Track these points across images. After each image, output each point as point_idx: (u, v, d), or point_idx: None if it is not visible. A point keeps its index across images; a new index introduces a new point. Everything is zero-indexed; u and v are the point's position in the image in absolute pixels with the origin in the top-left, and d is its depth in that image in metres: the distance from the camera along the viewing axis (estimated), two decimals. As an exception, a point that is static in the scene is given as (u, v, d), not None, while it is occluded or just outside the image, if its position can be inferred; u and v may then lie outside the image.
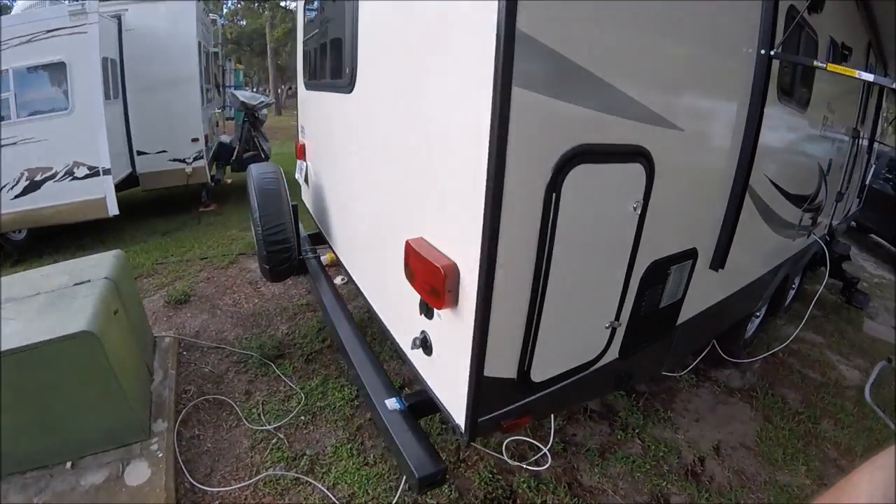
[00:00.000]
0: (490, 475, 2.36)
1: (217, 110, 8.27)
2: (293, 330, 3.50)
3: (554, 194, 1.24)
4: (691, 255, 1.98)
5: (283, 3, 27.45)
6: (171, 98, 6.07)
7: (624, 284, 1.66)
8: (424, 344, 1.55)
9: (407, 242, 1.48)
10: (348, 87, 2.15)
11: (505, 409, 1.48)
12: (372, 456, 2.44)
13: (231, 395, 2.81)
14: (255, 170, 2.94)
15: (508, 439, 2.55)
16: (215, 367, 3.05)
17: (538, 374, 1.50)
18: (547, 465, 2.43)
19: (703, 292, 2.22)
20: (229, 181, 7.93)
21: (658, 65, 1.43)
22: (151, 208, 6.86)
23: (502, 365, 1.38)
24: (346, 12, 2.19)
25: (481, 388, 1.35)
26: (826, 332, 4.54)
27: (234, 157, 7.35)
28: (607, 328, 1.70)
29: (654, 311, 1.89)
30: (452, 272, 1.30)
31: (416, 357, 1.68)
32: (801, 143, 2.88)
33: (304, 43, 3.35)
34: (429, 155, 1.45)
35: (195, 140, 6.30)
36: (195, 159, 6.35)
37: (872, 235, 8.39)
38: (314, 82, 3.12)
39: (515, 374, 1.44)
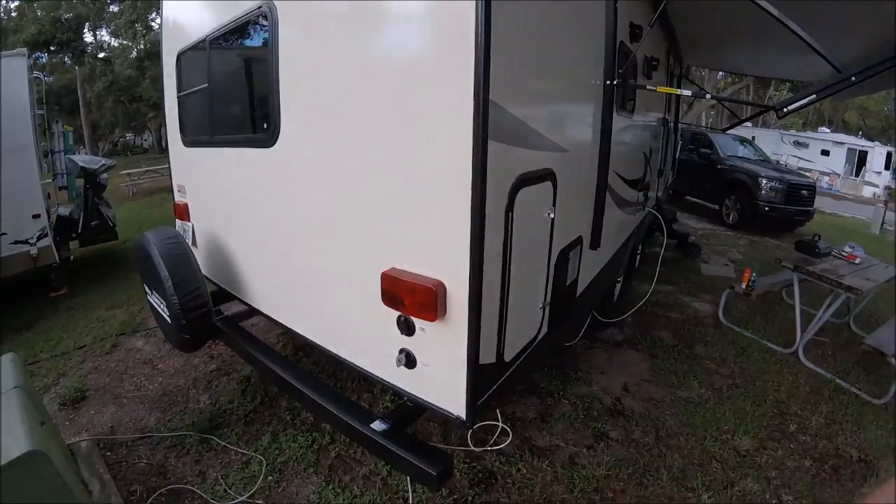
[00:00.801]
0: (466, 465, 2.67)
1: (49, 180, 7.22)
2: (216, 398, 3.37)
3: (510, 213, 1.64)
4: (579, 241, 2.51)
5: (101, 55, 24.97)
6: (6, 170, 5.17)
7: (547, 272, 2.11)
8: (408, 358, 1.79)
9: (384, 274, 1.72)
10: (269, 140, 2.26)
11: (490, 391, 1.81)
12: (356, 486, 2.56)
13: (184, 480, 2.65)
14: (152, 237, 2.80)
15: (469, 432, 2.86)
16: (151, 458, 2.83)
17: (508, 356, 1.86)
18: (507, 442, 2.80)
19: (588, 268, 2.80)
20: (71, 258, 7.02)
21: (555, 106, 1.92)
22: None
23: (486, 353, 1.70)
24: (260, 66, 2.32)
25: (477, 376, 1.65)
26: (674, 282, 5.73)
27: (79, 230, 6.48)
28: (541, 308, 2.12)
29: (564, 288, 2.36)
30: (441, 289, 1.59)
31: (394, 373, 1.90)
32: (632, 140, 3.72)
33: (181, 97, 3.27)
34: (405, 197, 1.70)
35: (37, 216, 5.45)
36: (39, 238, 5.48)
37: (687, 197, 10.52)
38: (202, 138, 3.08)
39: (495, 359, 1.78)
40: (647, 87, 2.55)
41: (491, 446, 2.81)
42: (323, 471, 2.67)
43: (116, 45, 28.50)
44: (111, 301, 5.34)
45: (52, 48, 23.91)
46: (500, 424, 2.93)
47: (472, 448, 2.79)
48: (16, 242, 5.35)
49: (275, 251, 2.54)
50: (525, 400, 3.25)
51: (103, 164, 6.96)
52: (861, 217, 14.69)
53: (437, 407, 1.80)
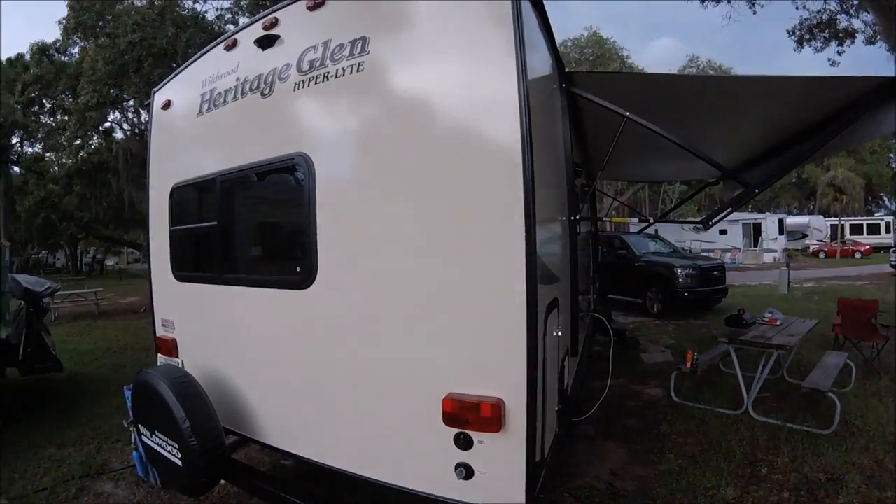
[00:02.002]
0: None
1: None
2: None
3: (544, 338, 2.02)
4: (567, 351, 2.96)
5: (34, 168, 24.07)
6: None
7: (557, 380, 2.45)
8: (467, 470, 2.00)
9: (448, 398, 1.98)
10: (304, 283, 2.46)
11: (538, 485, 2.04)
12: None
13: None
14: (160, 375, 2.75)
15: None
16: None
17: (545, 453, 2.15)
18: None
19: (571, 373, 3.22)
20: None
21: (553, 246, 2.47)
22: None
23: (537, 453, 1.97)
24: (290, 210, 2.60)
25: (532, 473, 1.91)
26: (623, 374, 6.34)
27: (20, 357, 5.91)
28: (556, 411, 2.44)
29: (563, 392, 2.71)
30: (503, 405, 1.88)
31: (449, 486, 2.07)
32: (580, 257, 4.33)
33: (176, 231, 3.33)
34: (461, 333, 2.02)
35: None
36: None
37: (610, 295, 11.59)
38: (205, 275, 3.14)
39: (538, 457, 2.03)
40: (604, 218, 3.27)
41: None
42: None
43: (49, 157, 27.51)
44: (60, 438, 4.89)
45: None
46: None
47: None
48: None
49: (304, 387, 2.60)
50: None
51: (48, 288, 6.58)
52: (768, 282, 16.51)
53: (496, 509, 2.00)
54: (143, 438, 2.98)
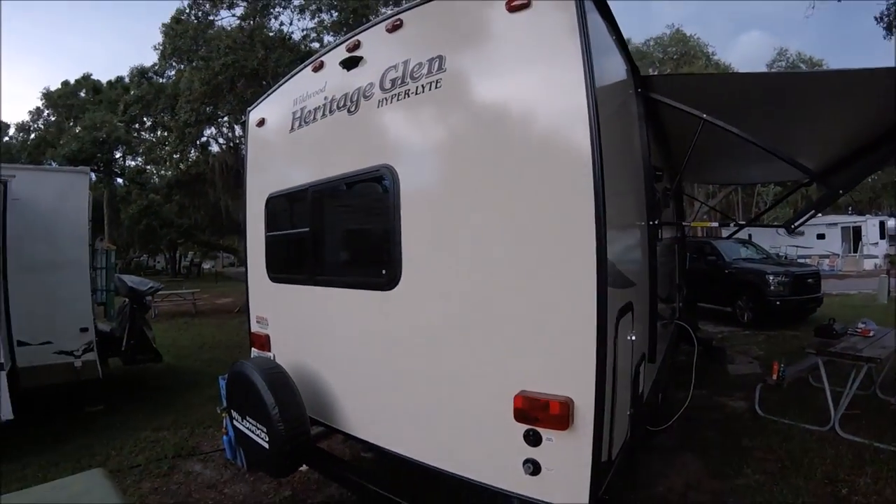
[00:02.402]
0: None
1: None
2: None
3: (616, 340, 2.09)
4: (643, 357, 2.97)
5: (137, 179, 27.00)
6: (57, 281, 5.39)
7: (630, 385, 2.47)
8: (535, 466, 2.09)
9: (519, 395, 2.09)
10: (388, 285, 2.65)
11: (604, 485, 2.10)
12: None
13: None
14: (254, 366, 3.05)
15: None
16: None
17: (613, 455, 2.21)
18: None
19: (648, 380, 3.21)
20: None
21: (628, 250, 2.57)
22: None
23: (603, 453, 2.03)
24: (376, 218, 2.80)
25: (597, 474, 1.97)
26: (707, 385, 6.12)
27: (123, 348, 6.65)
28: (628, 415, 2.45)
29: (637, 398, 2.74)
30: (572, 403, 1.97)
31: (518, 482, 2.16)
32: (662, 263, 4.27)
33: (271, 237, 3.64)
34: (534, 334, 2.12)
35: (84, 330, 5.58)
36: (85, 351, 5.56)
37: (700, 304, 11.14)
38: (297, 277, 3.40)
39: (605, 457, 2.09)
40: (684, 223, 3.22)
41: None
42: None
43: (150, 170, 30.23)
44: (156, 422, 5.39)
45: (93, 167, 25.24)
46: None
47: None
48: (60, 353, 5.42)
49: (385, 382, 2.79)
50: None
51: (151, 287, 7.31)
52: (867, 290, 15.15)
53: (560, 504, 2.07)
54: (235, 423, 3.29)
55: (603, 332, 1.89)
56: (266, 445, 2.88)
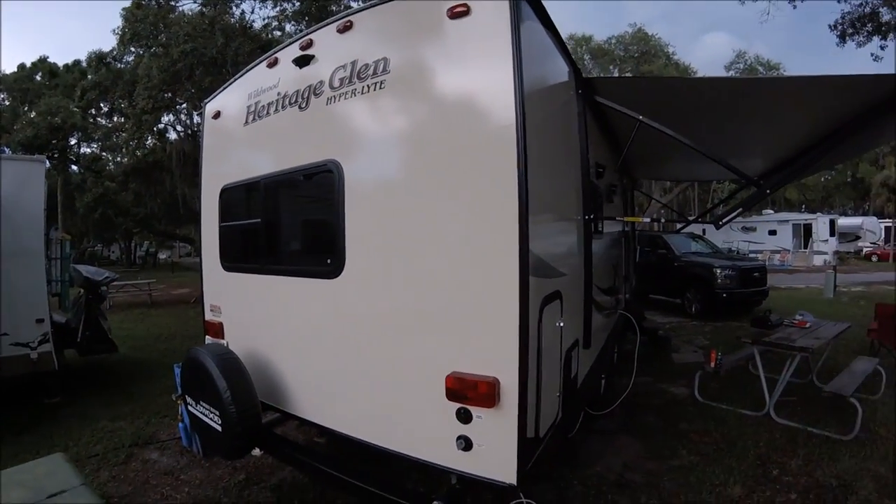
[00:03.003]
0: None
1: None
2: None
3: (540, 325, 2.29)
4: (577, 343, 3.16)
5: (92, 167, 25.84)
6: (12, 272, 5.23)
7: (560, 368, 2.69)
8: (466, 442, 2.26)
9: (450, 376, 2.26)
10: (333, 273, 2.79)
11: (531, 461, 2.31)
12: None
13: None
14: (207, 352, 3.14)
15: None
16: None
17: (541, 432, 2.40)
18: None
19: (583, 365, 3.42)
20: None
21: (557, 242, 2.77)
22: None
23: (529, 430, 2.22)
24: (323, 210, 2.93)
25: (523, 448, 2.15)
26: (651, 373, 6.46)
27: (79, 340, 6.54)
28: (557, 396, 2.65)
29: (569, 382, 2.93)
30: (498, 383, 2.15)
31: (450, 457, 2.34)
32: (603, 255, 4.53)
33: (225, 227, 3.73)
34: (463, 317, 2.29)
35: (40, 321, 5.48)
36: (41, 343, 5.46)
37: (650, 295, 11.56)
38: (249, 266, 3.51)
39: (534, 434, 2.29)
40: (617, 218, 3.43)
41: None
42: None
43: (106, 157, 29.22)
44: (114, 412, 5.40)
45: (48, 153, 24.35)
46: (527, 501, 3.28)
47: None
48: (16, 344, 5.33)
49: (331, 366, 2.94)
50: (541, 486, 3.63)
51: (106, 277, 7.19)
52: (815, 285, 15.97)
53: (491, 479, 2.25)
54: (189, 408, 3.38)
55: (525, 318, 2.07)
56: (219, 428, 2.98)
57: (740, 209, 3.21)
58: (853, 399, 4.55)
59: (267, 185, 3.31)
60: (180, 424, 4.46)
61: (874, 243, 31.48)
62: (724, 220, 3.22)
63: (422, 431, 2.49)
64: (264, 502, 3.58)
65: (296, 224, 3.42)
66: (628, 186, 7.01)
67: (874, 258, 29.60)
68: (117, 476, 4.03)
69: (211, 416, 3.05)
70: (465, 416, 2.23)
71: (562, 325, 2.63)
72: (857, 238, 32.42)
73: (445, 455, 2.35)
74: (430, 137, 2.43)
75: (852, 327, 6.41)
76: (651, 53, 29.79)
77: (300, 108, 3.02)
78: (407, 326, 2.52)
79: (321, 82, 2.88)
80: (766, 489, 3.69)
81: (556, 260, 2.68)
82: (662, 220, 4.86)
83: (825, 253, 26.42)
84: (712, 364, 5.20)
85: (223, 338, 3.77)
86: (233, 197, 3.68)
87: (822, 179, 45.62)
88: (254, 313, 3.52)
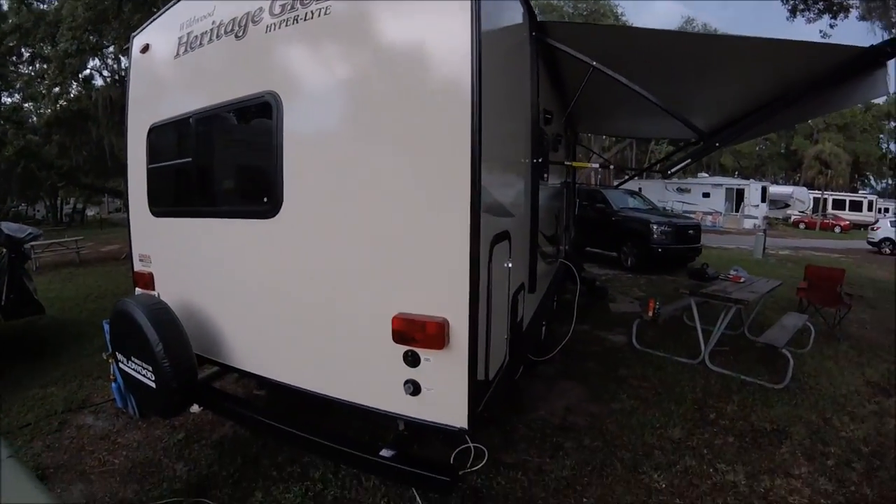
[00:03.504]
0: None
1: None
2: (193, 465, 3.40)
3: (490, 265, 2.21)
4: (523, 286, 3.14)
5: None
6: None
7: (507, 311, 2.65)
8: (415, 387, 2.21)
9: (397, 317, 2.17)
10: (270, 212, 2.61)
11: (482, 404, 2.28)
12: None
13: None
14: (136, 303, 2.92)
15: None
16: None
17: (491, 375, 2.37)
18: (483, 463, 3.19)
19: (528, 309, 3.43)
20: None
21: (508, 183, 2.66)
22: None
23: (479, 373, 2.18)
24: (259, 146, 2.71)
25: (474, 391, 2.11)
26: (590, 321, 6.64)
27: (3, 303, 6.02)
28: (505, 339, 2.65)
29: (516, 324, 2.93)
30: (447, 324, 2.08)
31: (399, 403, 2.29)
32: (548, 203, 4.52)
33: (153, 169, 3.44)
34: (412, 255, 2.20)
35: None
36: None
37: (587, 248, 11.84)
38: (179, 209, 3.27)
39: (483, 377, 2.26)
40: (565, 162, 3.38)
41: (470, 468, 3.19)
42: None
43: (28, 107, 26.77)
44: (44, 378, 5.04)
45: None
46: (475, 446, 3.32)
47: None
48: None
49: (270, 312, 2.79)
50: (487, 430, 3.68)
51: (30, 234, 6.63)
52: (744, 247, 16.91)
53: (441, 424, 2.22)
54: (121, 366, 3.15)
55: (476, 255, 2.01)
56: (153, 385, 2.80)
57: (688, 160, 3.24)
58: (785, 350, 4.83)
59: (199, 122, 3.05)
60: (113, 385, 4.22)
61: (802, 212, 33.75)
62: (672, 170, 3.27)
63: (368, 377, 2.42)
64: (206, 460, 3.44)
65: (230, 162, 3.18)
66: (571, 139, 7.04)
67: (801, 226, 31.79)
68: (52, 445, 3.78)
69: (144, 372, 2.87)
70: (412, 360, 2.18)
71: (510, 266, 2.58)
72: (787, 206, 34.64)
73: (393, 401, 2.30)
74: (380, 68, 2.26)
75: (783, 284, 6.82)
76: (600, 13, 29.72)
77: (236, 37, 2.76)
78: (350, 267, 2.40)
79: (260, 9, 2.64)
80: (704, 432, 3.89)
81: (506, 199, 2.62)
82: (612, 167, 4.88)
83: (755, 217, 28.05)
84: (650, 313, 5.40)
85: (154, 289, 3.54)
86: (162, 136, 3.39)
87: (757, 148, 47.99)
88: (186, 260, 3.31)
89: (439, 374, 2.17)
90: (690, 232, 11.58)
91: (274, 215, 2.61)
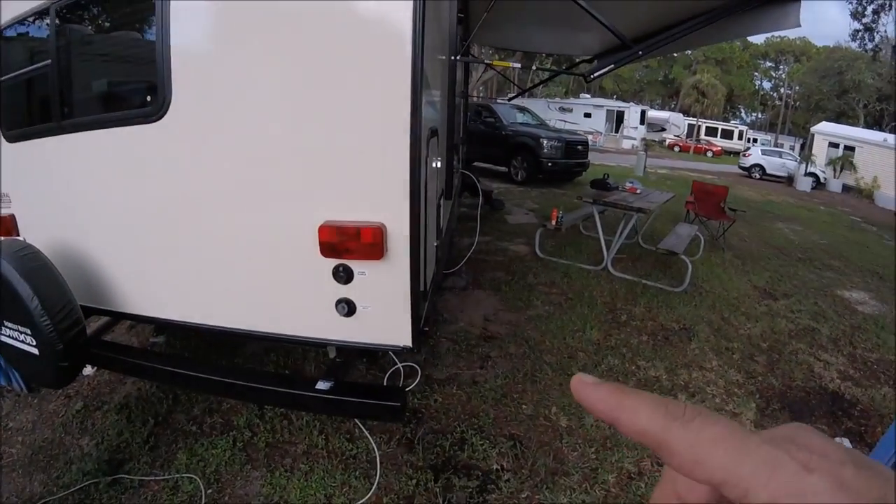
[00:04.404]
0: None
1: None
2: (100, 437, 2.92)
3: (426, 161, 1.94)
4: (443, 192, 3.00)
5: None
6: None
7: (437, 211, 2.49)
8: (349, 306, 1.97)
9: (324, 226, 1.84)
10: (155, 113, 2.02)
11: (423, 318, 2.11)
12: (302, 464, 2.60)
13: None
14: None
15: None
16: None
17: (426, 285, 2.20)
18: (416, 381, 3.15)
19: (445, 217, 3.26)
20: None
21: (435, 79, 2.36)
22: None
23: (420, 283, 1.99)
24: (138, 33, 2.20)
25: (417, 306, 1.94)
26: (489, 232, 6.80)
27: None
28: (435, 246, 2.50)
29: (440, 231, 2.79)
30: (384, 229, 1.83)
31: (330, 328, 2.05)
32: (453, 110, 4.30)
33: (4, 85, 2.64)
34: (339, 151, 1.86)
35: None
36: None
37: (475, 163, 11.98)
38: (42, 128, 2.55)
39: (422, 288, 2.06)
40: (485, 61, 3.16)
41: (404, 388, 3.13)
42: (261, 463, 2.61)
43: None
44: None
45: None
46: (405, 364, 3.27)
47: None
48: None
49: (165, 242, 2.30)
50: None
51: None
52: (625, 165, 18.12)
53: (381, 345, 2.06)
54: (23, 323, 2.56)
55: (417, 147, 1.74)
56: (36, 352, 2.29)
57: (612, 66, 3.18)
58: (683, 257, 5.22)
59: (60, 11, 2.33)
60: (-10, 362, 3.52)
61: (678, 136, 36.69)
62: (595, 74, 3.18)
63: (291, 303, 2.12)
64: (113, 428, 2.95)
65: (101, 57, 2.53)
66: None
67: (676, 149, 34.78)
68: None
69: (22, 338, 2.31)
70: (345, 275, 1.91)
71: (437, 165, 2.37)
72: (663, 129, 37.48)
73: (323, 326, 2.06)
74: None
75: (674, 197, 7.33)
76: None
77: None
78: (261, 170, 1.99)
79: None
80: (620, 332, 4.17)
81: (434, 91, 2.37)
82: (535, 67, 4.70)
83: (634, 139, 30.18)
84: (553, 222, 5.58)
85: (17, 234, 2.83)
86: (13, 41, 2.62)
87: (637, 74, 50.89)
88: (56, 191, 2.64)
89: (377, 289, 1.95)
90: (579, 147, 12.00)
91: (159, 117, 2.00)
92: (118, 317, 2.69)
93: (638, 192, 6.56)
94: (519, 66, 3.47)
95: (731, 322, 4.62)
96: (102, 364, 2.77)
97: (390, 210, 1.84)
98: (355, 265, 1.90)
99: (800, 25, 3.32)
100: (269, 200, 2.01)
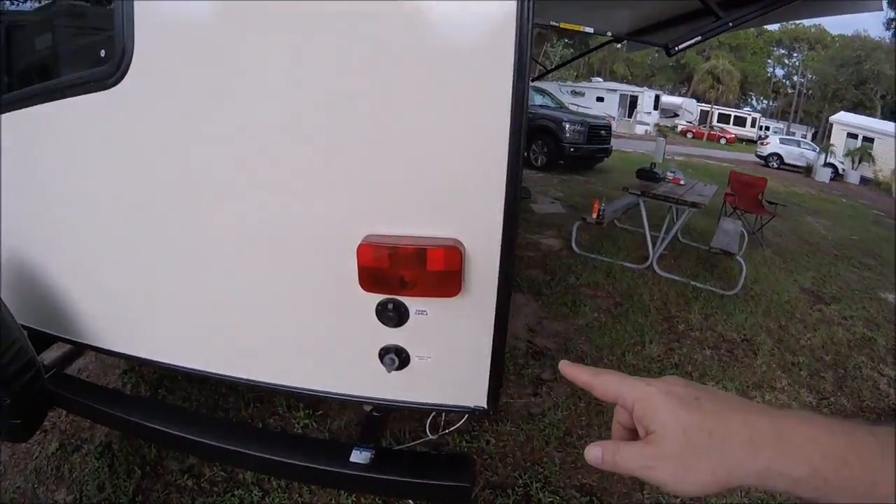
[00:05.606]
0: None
1: None
2: (77, 488, 2.30)
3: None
4: None
5: None
6: None
7: None
8: (401, 356, 1.33)
9: (366, 244, 1.17)
10: (110, 77, 1.31)
11: (502, 376, 1.46)
12: None
13: None
14: None
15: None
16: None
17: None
18: (463, 419, 2.52)
19: None
20: None
21: None
22: None
23: (506, 329, 1.33)
24: None
25: (499, 359, 1.32)
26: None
27: None
28: None
29: None
30: (462, 252, 1.15)
31: (369, 381, 1.42)
32: None
33: None
34: (396, 132, 1.16)
35: None
36: None
37: None
38: None
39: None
40: (556, 23, 2.44)
41: (447, 428, 2.49)
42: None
43: None
44: None
45: None
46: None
47: (430, 437, 2.42)
48: None
49: (137, 253, 1.60)
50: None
51: None
52: (641, 151, 17.39)
53: (443, 406, 1.43)
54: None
55: (519, 130, 1.09)
56: None
57: (699, 38, 2.63)
58: (739, 258, 4.68)
59: None
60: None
61: (690, 122, 35.88)
62: (680, 46, 2.61)
63: (314, 348, 1.47)
64: (93, 477, 2.32)
65: (45, 18, 1.88)
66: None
67: (689, 135, 34.03)
68: None
69: None
70: (395, 316, 1.26)
71: None
72: (676, 115, 36.64)
73: (360, 381, 1.44)
74: None
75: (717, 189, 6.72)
76: None
77: None
78: (273, 155, 1.27)
79: None
80: (681, 346, 3.60)
81: None
82: (609, 34, 3.98)
83: (647, 124, 29.41)
84: (594, 215, 4.97)
85: None
86: None
87: (649, 59, 50.05)
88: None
89: (443, 335, 1.31)
90: (602, 132, 11.30)
91: (116, 82, 1.31)
92: (82, 347, 2.03)
93: (682, 182, 5.91)
94: (591, 30, 2.84)
95: (789, 331, 4.14)
96: (65, 406, 2.14)
97: (473, 223, 1.18)
98: (411, 301, 1.25)
99: (882, 9, 2.83)
100: (282, 194, 1.31)
